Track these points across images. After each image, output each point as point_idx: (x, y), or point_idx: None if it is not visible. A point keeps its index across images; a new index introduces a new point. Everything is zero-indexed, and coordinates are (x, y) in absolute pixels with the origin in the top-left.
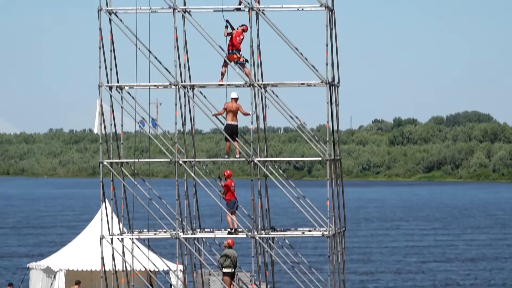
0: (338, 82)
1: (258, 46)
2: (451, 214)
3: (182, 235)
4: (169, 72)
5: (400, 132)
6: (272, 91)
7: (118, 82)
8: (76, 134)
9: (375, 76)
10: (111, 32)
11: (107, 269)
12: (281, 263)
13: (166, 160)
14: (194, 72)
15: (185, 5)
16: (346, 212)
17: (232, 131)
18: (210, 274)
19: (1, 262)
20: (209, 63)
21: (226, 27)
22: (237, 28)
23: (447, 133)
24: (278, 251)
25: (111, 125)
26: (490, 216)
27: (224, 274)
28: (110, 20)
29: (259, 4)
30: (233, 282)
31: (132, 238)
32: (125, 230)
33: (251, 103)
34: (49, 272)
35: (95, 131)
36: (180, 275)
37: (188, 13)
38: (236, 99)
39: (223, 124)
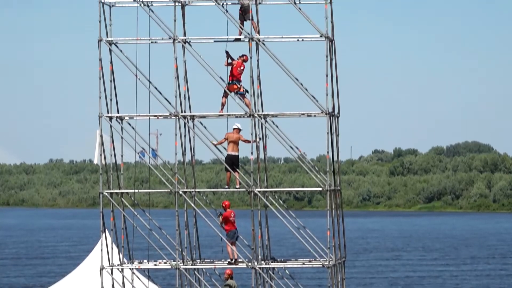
0: (338, 112)
1: (258, 76)
2: (451, 245)
3: (182, 266)
4: (169, 103)
5: (400, 162)
6: (272, 121)
7: (118, 113)
8: (76, 165)
9: (375, 107)
10: (111, 62)
11: None
12: None
13: (166, 190)
14: (194, 102)
15: (185, 35)
16: (346, 242)
17: (233, 162)
18: None
19: None
20: (209, 93)
21: (227, 57)
22: (238, 58)
23: (447, 163)
24: (279, 282)
25: (111, 155)
26: (489, 246)
27: None
28: (110, 50)
29: (259, 35)
30: None
31: (132, 269)
32: (125, 260)
33: (251, 133)
34: None
35: (95, 161)
36: None
37: (188, 43)
38: (238, 130)
39: (222, 153)
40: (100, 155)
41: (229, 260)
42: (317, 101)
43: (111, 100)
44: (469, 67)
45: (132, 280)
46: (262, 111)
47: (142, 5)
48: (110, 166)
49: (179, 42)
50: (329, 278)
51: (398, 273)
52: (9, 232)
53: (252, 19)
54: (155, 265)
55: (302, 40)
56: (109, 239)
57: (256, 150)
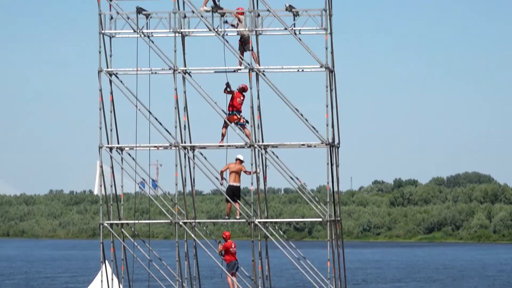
0: (339, 143)
1: (258, 107)
2: (450, 275)
3: None
4: (170, 133)
5: (401, 193)
6: (273, 152)
7: (118, 143)
8: (76, 196)
9: (375, 137)
10: (111, 93)
11: None
12: None
13: (166, 221)
14: (195, 133)
15: (185, 66)
16: (346, 273)
17: (234, 193)
18: None
19: None
20: (209, 123)
21: (226, 87)
22: (237, 88)
23: (448, 194)
24: None
25: (111, 186)
26: (489, 277)
27: None
28: (110, 81)
29: (259, 65)
30: None
31: None
32: None
33: (252, 164)
34: None
35: (96, 192)
36: None
37: (189, 74)
38: (241, 161)
39: (223, 185)
40: (100, 185)
41: None
42: (317, 131)
43: (111, 130)
44: (469, 98)
45: None
46: (262, 141)
47: (142, 35)
48: (110, 197)
49: (179, 72)
50: None
51: None
52: (9, 263)
53: (252, 49)
54: None
55: (302, 70)
56: (109, 270)
57: (256, 180)
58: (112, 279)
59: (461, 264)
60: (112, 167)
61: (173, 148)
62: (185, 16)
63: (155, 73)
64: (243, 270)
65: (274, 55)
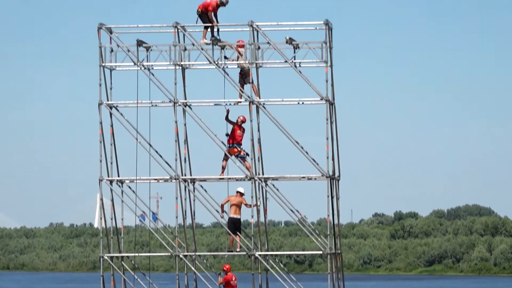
0: (339, 176)
1: (259, 139)
2: None
3: None
4: (170, 166)
5: (401, 225)
6: (273, 185)
7: (118, 176)
8: (76, 228)
9: (375, 170)
10: (111, 126)
11: None
12: None
13: (166, 254)
14: (195, 166)
15: (185, 99)
16: None
17: (235, 225)
18: None
19: None
20: (209, 156)
21: (227, 116)
22: (237, 120)
23: (448, 226)
24: None
25: (111, 219)
26: None
27: None
28: (110, 114)
29: (259, 98)
30: None
31: None
32: None
33: (252, 197)
34: None
35: (96, 225)
36: None
37: (189, 106)
38: (241, 194)
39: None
40: (101, 218)
41: None
42: (317, 164)
43: (111, 163)
44: (470, 131)
45: None
46: (263, 174)
47: (143, 68)
48: (110, 230)
49: (179, 105)
50: None
51: None
52: None
53: (252, 82)
54: None
55: (303, 103)
56: None
57: (256, 213)
58: None
59: None
60: (112, 200)
61: (174, 180)
62: (185, 49)
63: (156, 105)
64: None
65: (274, 88)
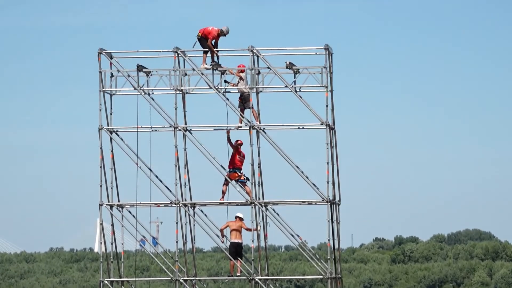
0: (339, 200)
1: (259, 164)
2: None
3: None
4: (170, 191)
5: (402, 250)
6: (273, 209)
7: (118, 201)
8: (76, 253)
9: (376, 194)
10: (111, 151)
11: None
12: None
13: (167, 278)
14: (195, 190)
15: (186, 123)
16: None
17: (236, 249)
18: None
19: None
20: (209, 181)
21: (229, 138)
22: (235, 144)
23: (449, 251)
24: None
25: (111, 243)
26: None
27: None
28: (111, 139)
29: (259, 123)
30: None
31: None
32: None
33: (252, 221)
34: None
35: (96, 249)
36: None
37: (189, 131)
38: (241, 219)
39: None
40: (101, 243)
41: None
42: (318, 188)
43: (111, 188)
44: (470, 155)
45: None
46: (263, 199)
47: (143, 93)
48: (110, 254)
49: (179, 130)
50: None
51: None
52: None
53: (253, 107)
54: None
55: (303, 128)
56: None
57: (257, 238)
58: None
59: None
60: (112, 225)
61: (174, 205)
62: (185, 74)
63: (156, 130)
64: None
65: (274, 112)
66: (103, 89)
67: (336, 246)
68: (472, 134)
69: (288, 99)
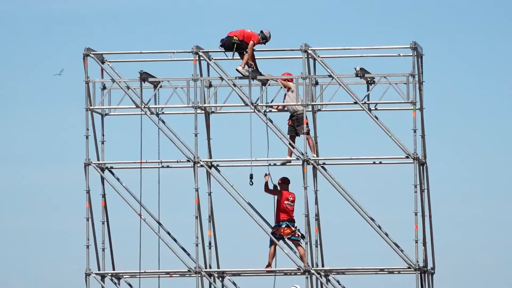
0: (433, 268)
1: (316, 215)
2: None
3: None
4: (188, 254)
5: None
6: (338, 281)
7: (113, 269)
8: None
9: (482, 257)
10: (103, 196)
11: None
12: None
13: None
14: (223, 254)
15: (210, 157)
16: None
17: None
18: None
19: None
20: (245, 240)
21: (266, 188)
22: (278, 183)
23: None
24: None
25: None
26: None
27: None
28: (102, 179)
29: (316, 155)
30: None
31: None
32: None
33: None
34: None
35: None
36: None
37: (215, 168)
38: None
39: None
40: None
41: None
42: (402, 251)
43: (103, 250)
44: None
45: None
46: (322, 265)
47: (149, 113)
48: None
49: (201, 166)
50: None
51: None
52: None
53: (308, 132)
54: None
55: (380, 162)
56: None
57: None
58: None
59: None
60: None
61: (194, 275)
62: (210, 85)
63: (167, 166)
64: None
65: (338, 140)
66: (91, 107)
67: None
68: None
69: (358, 120)
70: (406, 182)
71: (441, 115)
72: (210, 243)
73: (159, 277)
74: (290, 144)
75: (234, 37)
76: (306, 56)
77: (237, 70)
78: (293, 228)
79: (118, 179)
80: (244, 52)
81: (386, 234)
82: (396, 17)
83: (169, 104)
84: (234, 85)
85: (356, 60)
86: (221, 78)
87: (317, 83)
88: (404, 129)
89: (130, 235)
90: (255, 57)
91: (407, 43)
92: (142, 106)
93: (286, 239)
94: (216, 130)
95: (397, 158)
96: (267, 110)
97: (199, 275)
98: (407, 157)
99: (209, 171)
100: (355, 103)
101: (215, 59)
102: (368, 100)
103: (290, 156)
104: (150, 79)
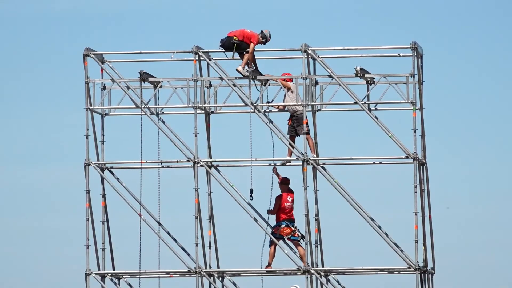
0: (433, 268)
1: (316, 215)
2: None
3: None
4: (188, 254)
5: None
6: (338, 281)
7: (113, 269)
8: None
9: (483, 256)
10: (103, 196)
11: None
12: None
13: None
14: (223, 254)
15: (210, 157)
16: None
17: None
18: None
19: None
20: (245, 240)
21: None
22: (278, 183)
23: None
24: None
25: None
26: None
27: None
28: (102, 179)
29: (316, 155)
30: None
31: None
32: None
33: None
34: None
35: None
36: None
37: (215, 168)
38: None
39: None
40: None
41: None
42: (402, 251)
43: (103, 250)
44: None
45: None
46: (322, 265)
47: (149, 113)
48: None
49: (201, 166)
50: None
51: None
52: None
53: (308, 132)
54: None
55: (380, 162)
56: None
57: None
58: None
59: None
60: None
61: (194, 275)
62: (210, 85)
63: (167, 166)
64: None
65: (337, 140)
66: (91, 107)
67: None
68: None
69: (357, 120)
70: (406, 182)
71: (441, 115)
72: (210, 243)
73: (159, 277)
74: (290, 144)
75: (234, 37)
76: (306, 56)
77: (237, 70)
78: (293, 228)
79: (118, 179)
80: (244, 52)
81: (386, 234)
82: (396, 17)
83: (169, 104)
84: (234, 85)
85: (356, 60)
86: (221, 78)
87: (317, 83)
88: (404, 129)
89: (130, 235)
90: (255, 57)
91: (407, 43)
92: (142, 106)
93: (286, 239)
94: (216, 130)
95: (397, 158)
96: (267, 110)
97: (199, 275)
98: (407, 157)
99: (209, 171)
100: (355, 103)
101: (215, 59)
102: (368, 100)
103: (290, 156)
104: (150, 79)
